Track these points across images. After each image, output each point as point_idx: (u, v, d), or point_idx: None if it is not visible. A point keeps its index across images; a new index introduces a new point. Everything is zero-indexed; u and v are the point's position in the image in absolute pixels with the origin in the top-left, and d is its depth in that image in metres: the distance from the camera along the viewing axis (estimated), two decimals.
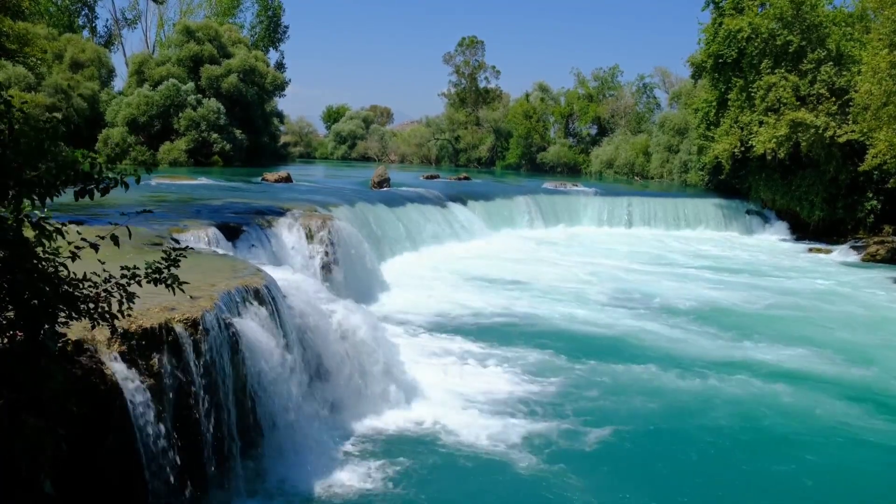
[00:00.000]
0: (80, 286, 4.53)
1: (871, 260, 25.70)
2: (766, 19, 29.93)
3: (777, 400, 10.55)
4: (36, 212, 4.22)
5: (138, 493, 5.85)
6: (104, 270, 4.81)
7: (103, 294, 4.69)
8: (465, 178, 40.04)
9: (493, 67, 71.84)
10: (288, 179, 29.53)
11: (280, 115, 54.38)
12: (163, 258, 4.98)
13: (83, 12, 57.33)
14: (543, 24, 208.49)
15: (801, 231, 31.17)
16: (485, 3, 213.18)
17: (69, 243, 4.37)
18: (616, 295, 17.48)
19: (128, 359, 5.89)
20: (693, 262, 23.64)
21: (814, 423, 9.77)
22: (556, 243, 26.58)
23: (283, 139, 60.78)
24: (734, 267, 22.86)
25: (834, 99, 28.16)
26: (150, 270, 4.88)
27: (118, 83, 48.82)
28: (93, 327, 4.82)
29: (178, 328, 6.49)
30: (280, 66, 62.98)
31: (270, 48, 62.50)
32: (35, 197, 4.21)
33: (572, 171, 59.65)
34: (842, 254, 26.51)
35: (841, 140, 27.16)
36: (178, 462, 6.16)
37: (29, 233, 4.17)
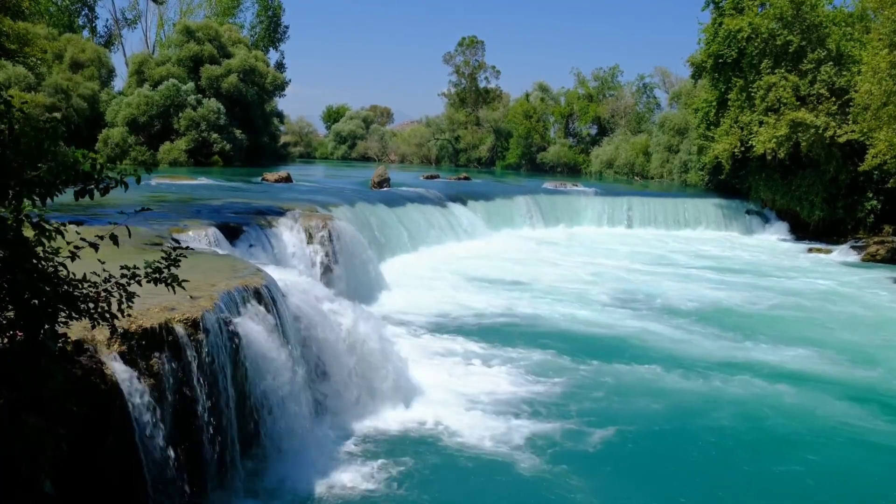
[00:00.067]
0: (80, 286, 4.53)
1: (871, 260, 25.70)
2: (766, 19, 29.93)
3: (780, 400, 10.54)
4: (35, 211, 4.22)
5: (138, 493, 5.84)
6: (104, 270, 4.81)
7: (103, 294, 4.69)
8: (465, 178, 40.04)
9: (493, 67, 71.99)
10: (288, 179, 29.53)
11: (280, 115, 54.40)
12: (163, 258, 4.98)
13: (83, 12, 57.38)
14: (543, 24, 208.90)
15: (801, 231, 31.18)
16: (485, 3, 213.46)
17: (69, 243, 4.37)
18: (618, 295, 17.46)
19: (128, 359, 5.89)
20: (694, 262, 23.63)
21: (817, 424, 9.75)
22: (556, 243, 26.57)
23: (283, 139, 60.79)
24: (735, 267, 22.85)
25: (834, 99, 28.16)
26: (150, 270, 4.88)
27: (118, 83, 48.92)
28: (93, 327, 4.82)
29: (178, 328, 6.49)
30: (280, 66, 63.04)
31: (270, 48, 62.55)
32: (35, 197, 4.21)
33: (572, 171, 59.65)
34: (842, 254, 26.51)
35: (841, 140, 27.16)
36: (178, 462, 6.16)
37: (29, 232, 4.17)
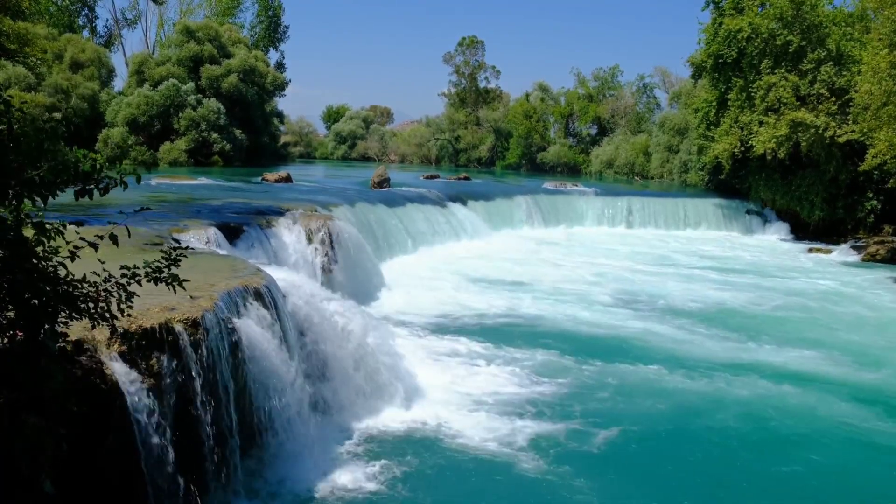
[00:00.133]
0: (80, 286, 4.53)
1: (871, 260, 25.71)
2: (766, 19, 29.93)
3: (784, 401, 10.51)
4: (34, 210, 4.22)
5: (138, 493, 5.84)
6: (104, 270, 4.81)
7: (103, 294, 4.69)
8: (465, 178, 40.03)
9: (493, 67, 71.95)
10: (288, 179, 29.53)
11: (280, 115, 54.38)
12: (163, 258, 4.98)
13: (83, 12, 57.37)
14: (543, 24, 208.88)
15: (801, 231, 31.18)
16: (485, 3, 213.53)
17: (68, 242, 4.37)
18: (620, 296, 17.43)
19: (128, 359, 5.89)
20: (695, 262, 23.62)
21: (821, 425, 9.74)
22: (556, 243, 26.58)
23: (283, 139, 60.78)
24: (737, 267, 22.84)
25: (834, 99, 28.17)
26: (150, 270, 4.88)
27: (118, 83, 48.91)
28: (93, 327, 4.82)
29: (178, 328, 6.49)
30: (280, 66, 63.04)
31: (270, 48, 62.54)
32: (35, 197, 4.21)
33: (572, 171, 59.66)
34: (842, 254, 26.52)
35: (841, 140, 27.17)
36: (178, 462, 6.16)
37: (28, 232, 4.17)
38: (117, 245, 4.65)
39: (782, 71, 29.56)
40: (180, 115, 42.21)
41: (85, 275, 4.64)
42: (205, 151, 42.48)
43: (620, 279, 19.70)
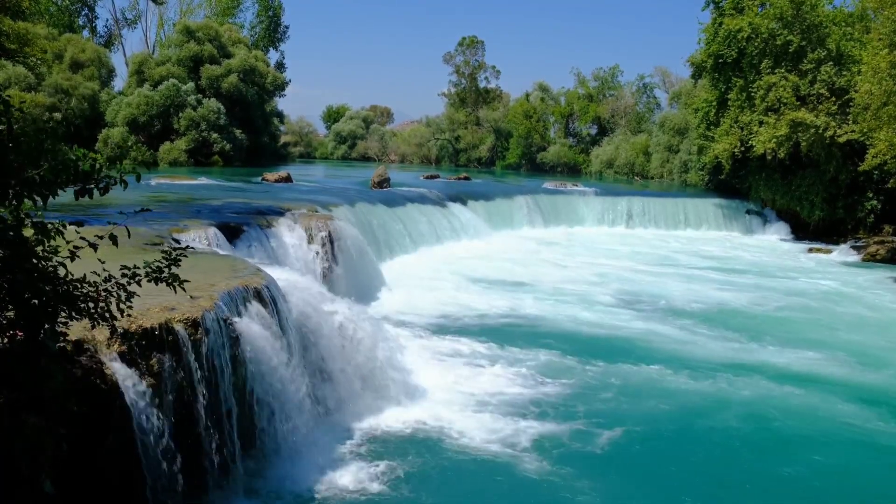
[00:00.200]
0: (80, 286, 4.53)
1: (871, 260, 25.71)
2: (766, 19, 29.93)
3: (787, 402, 10.50)
4: (34, 211, 4.22)
5: (138, 493, 5.84)
6: (104, 270, 4.81)
7: (103, 294, 4.69)
8: (465, 178, 40.03)
9: (493, 67, 71.93)
10: (288, 179, 29.53)
11: (280, 115, 54.39)
12: (163, 258, 4.98)
13: (83, 12, 57.37)
14: (543, 24, 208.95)
15: (801, 231, 31.18)
16: (485, 3, 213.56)
17: (68, 242, 4.37)
18: (622, 296, 17.39)
19: (128, 359, 5.89)
20: (696, 262, 23.61)
21: (824, 426, 9.72)
22: (556, 243, 26.58)
23: (283, 139, 60.79)
24: (738, 268, 22.82)
25: (834, 99, 28.17)
26: (150, 270, 4.88)
27: (118, 83, 48.91)
28: (93, 327, 4.82)
29: (179, 328, 6.49)
30: (280, 66, 63.02)
31: (270, 48, 62.52)
32: (36, 196, 4.21)
33: (572, 171, 59.66)
34: (842, 254, 26.52)
35: (841, 140, 27.17)
36: (178, 462, 6.16)
37: (28, 232, 4.17)
38: (117, 246, 4.65)
39: (782, 71, 29.56)
40: (180, 115, 42.22)
41: (85, 275, 4.64)
42: (205, 151, 42.49)
43: (622, 279, 19.68)
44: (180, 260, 5.02)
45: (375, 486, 7.53)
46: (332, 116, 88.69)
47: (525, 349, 12.46)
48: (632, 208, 32.68)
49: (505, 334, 13.41)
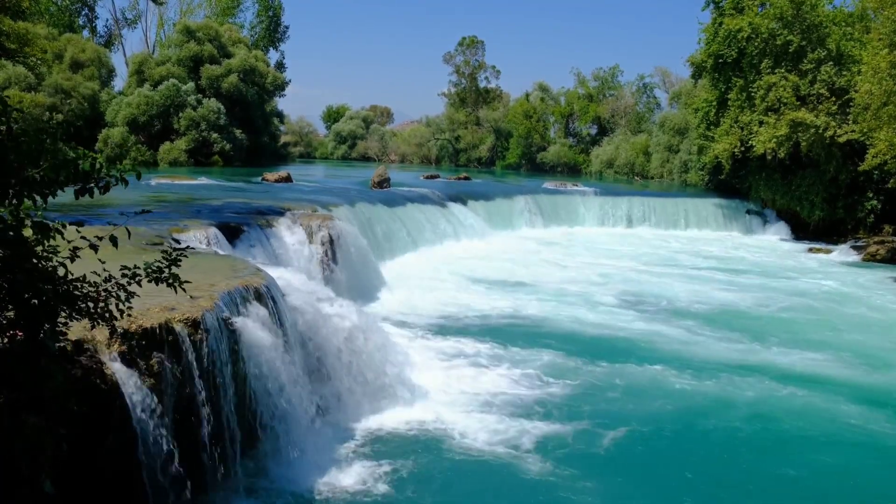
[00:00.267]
0: (80, 286, 4.53)
1: (871, 260, 25.71)
2: (766, 19, 29.93)
3: (792, 403, 10.47)
4: (34, 211, 4.21)
5: (138, 493, 5.84)
6: (104, 270, 4.81)
7: (103, 294, 4.69)
8: (465, 178, 40.02)
9: (493, 67, 71.96)
10: (288, 179, 29.53)
11: (280, 115, 54.40)
12: (163, 258, 4.97)
13: (83, 12, 57.40)
14: (543, 24, 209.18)
15: (801, 231, 31.18)
16: (485, 3, 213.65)
17: (69, 242, 4.37)
18: (624, 297, 17.34)
19: (128, 359, 5.89)
20: (698, 262, 23.59)
21: (830, 427, 9.69)
22: (557, 243, 26.57)
23: (283, 139, 60.80)
24: (740, 268, 22.80)
25: (834, 99, 28.17)
26: (150, 270, 4.88)
27: (118, 83, 48.94)
28: (93, 327, 4.82)
29: (178, 328, 6.49)
30: (280, 66, 63.01)
31: (270, 48, 62.52)
32: (36, 196, 4.21)
33: (572, 171, 59.66)
34: (842, 254, 26.52)
35: (841, 140, 27.17)
36: (178, 462, 6.16)
37: (28, 232, 4.17)
38: (117, 247, 4.64)
39: (782, 71, 29.56)
40: (180, 115, 42.21)
41: (85, 275, 4.63)
42: (205, 151, 42.48)
43: (623, 280, 19.65)
44: (180, 260, 5.02)
45: (376, 487, 7.52)
46: (332, 116, 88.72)
47: (528, 349, 12.42)
48: (632, 208, 32.68)
49: (507, 335, 13.36)
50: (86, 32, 55.95)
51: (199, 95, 43.47)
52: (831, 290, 19.61)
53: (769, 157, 29.67)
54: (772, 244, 29.76)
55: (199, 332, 6.69)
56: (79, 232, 4.48)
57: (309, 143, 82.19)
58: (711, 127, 33.99)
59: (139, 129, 42.05)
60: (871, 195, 29.11)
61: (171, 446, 6.11)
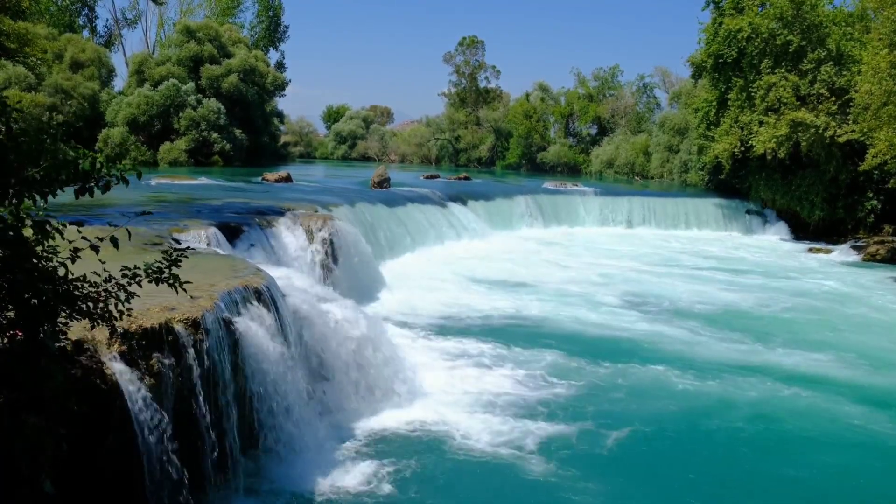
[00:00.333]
0: (81, 286, 4.52)
1: (872, 260, 25.71)
2: (766, 19, 29.93)
3: (795, 403, 10.45)
4: (34, 211, 4.21)
5: (138, 493, 5.84)
6: (104, 270, 4.81)
7: (103, 294, 4.69)
8: (465, 178, 40.02)
9: (494, 67, 71.96)
10: (288, 179, 29.52)
11: (280, 115, 54.39)
12: (164, 258, 4.97)
13: (83, 12, 57.38)
14: (543, 24, 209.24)
15: (801, 231, 31.18)
16: (485, 3, 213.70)
17: (70, 242, 4.37)
18: (625, 297, 17.29)
19: (128, 359, 5.89)
20: (699, 262, 23.58)
21: (832, 428, 9.67)
22: (557, 243, 26.57)
23: (284, 139, 60.79)
24: (741, 268, 22.78)
25: (834, 99, 28.17)
26: (150, 270, 4.88)
27: (118, 83, 48.93)
28: (92, 327, 4.81)
29: (179, 328, 6.49)
30: (280, 66, 63.01)
31: (270, 48, 62.51)
32: (35, 195, 4.21)
33: (572, 170, 59.67)
34: (842, 254, 26.52)
35: (841, 140, 27.17)
36: (178, 462, 6.15)
37: (28, 232, 4.17)
38: (117, 248, 4.64)
39: (782, 71, 29.55)
40: (180, 114, 42.20)
41: (85, 274, 4.63)
42: (205, 151, 42.48)
43: (625, 280, 19.63)
44: (181, 260, 5.02)
45: (378, 487, 7.50)
46: (332, 116, 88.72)
47: (530, 350, 12.38)
48: (632, 208, 32.68)
49: (509, 335, 13.32)
50: (86, 32, 55.99)
51: (199, 95, 43.46)
52: (832, 291, 19.60)
53: (769, 157, 29.67)
54: (772, 244, 29.75)
55: (199, 331, 6.69)
56: (79, 232, 4.48)
57: (309, 143, 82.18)
58: (711, 127, 33.99)
59: (139, 129, 42.04)
60: (871, 195, 29.11)
61: (171, 446, 6.11)
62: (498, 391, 10.34)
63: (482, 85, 71.38)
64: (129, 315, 5.08)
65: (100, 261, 4.61)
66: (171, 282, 4.90)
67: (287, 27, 65.01)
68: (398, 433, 8.85)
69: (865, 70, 24.28)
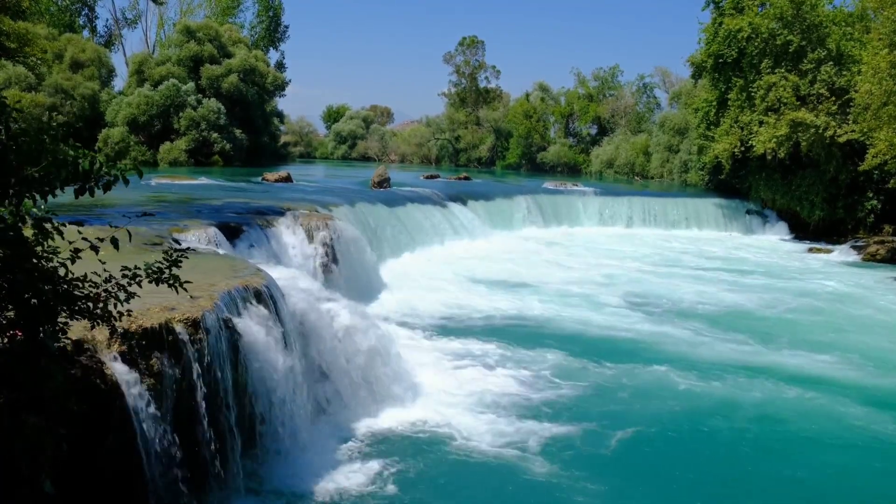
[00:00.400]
0: (81, 286, 4.52)
1: (872, 260, 25.71)
2: (766, 19, 29.93)
3: (799, 404, 10.42)
4: (35, 211, 4.21)
5: (138, 493, 5.84)
6: (104, 270, 4.81)
7: (103, 294, 4.69)
8: (466, 178, 40.01)
9: (494, 67, 71.95)
10: (288, 179, 29.52)
11: (280, 115, 54.38)
12: (164, 258, 4.97)
13: (83, 12, 57.37)
14: (543, 24, 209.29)
15: (801, 231, 31.18)
16: (485, 3, 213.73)
17: (70, 243, 4.37)
18: (627, 297, 17.24)
19: (128, 359, 5.89)
20: (700, 263, 23.55)
21: (837, 428, 9.64)
22: (557, 243, 26.56)
23: (284, 139, 60.78)
24: (743, 268, 22.75)
25: (834, 99, 28.17)
26: (150, 271, 4.88)
27: (118, 83, 48.90)
28: (93, 327, 4.81)
29: (179, 328, 6.49)
30: (280, 66, 63.00)
31: (270, 48, 62.51)
32: (35, 194, 4.20)
33: (572, 170, 59.67)
34: (842, 253, 26.51)
35: (841, 140, 27.16)
36: (178, 462, 6.15)
37: (28, 232, 4.17)
38: (118, 249, 4.64)
39: (782, 71, 29.55)
40: (180, 114, 42.19)
41: (86, 274, 4.63)
42: (205, 151, 42.47)
43: (626, 280, 19.59)
44: (181, 261, 5.02)
45: (379, 487, 7.50)
46: (332, 116, 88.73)
47: (533, 350, 12.35)
48: (632, 208, 32.67)
49: (512, 335, 13.29)
50: (86, 32, 55.97)
51: (199, 95, 43.45)
52: (834, 291, 19.57)
53: (769, 157, 29.67)
54: (772, 244, 29.75)
55: (199, 331, 6.69)
56: (80, 233, 4.48)
57: (309, 143, 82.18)
58: (711, 127, 33.99)
59: (139, 129, 42.03)
60: (871, 195, 29.11)
61: (172, 446, 6.11)
62: (501, 391, 10.31)
63: (482, 85, 71.40)
64: (129, 315, 5.08)
65: (100, 261, 4.61)
66: (171, 282, 4.90)
67: (287, 27, 65.08)
68: (400, 433, 8.83)
69: (865, 70, 24.28)
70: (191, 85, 43.24)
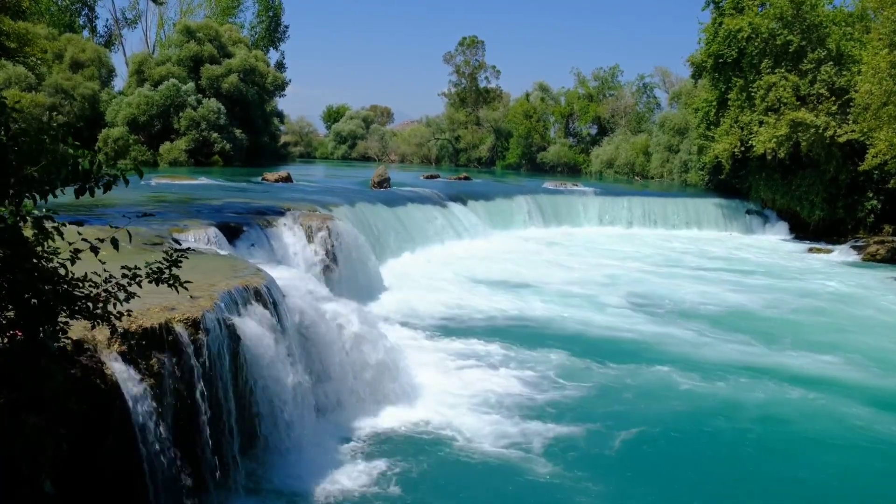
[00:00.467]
0: (81, 286, 4.51)
1: (872, 259, 25.71)
2: (766, 19, 29.93)
3: (801, 405, 10.41)
4: (34, 212, 4.20)
5: (138, 493, 5.83)
6: (105, 270, 4.80)
7: (103, 294, 4.68)
8: (466, 178, 40.00)
9: (494, 67, 71.93)
10: (288, 179, 29.51)
11: (280, 115, 54.37)
12: (164, 258, 4.96)
13: (83, 12, 57.36)
14: (543, 24, 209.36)
15: (801, 231, 31.19)
16: (485, 3, 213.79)
17: (70, 244, 4.36)
18: (629, 298, 17.21)
19: (128, 359, 5.88)
20: (701, 263, 23.55)
21: (840, 429, 9.63)
22: (557, 243, 26.55)
23: (284, 139, 60.77)
24: (744, 269, 22.74)
25: (834, 99, 28.16)
26: (150, 271, 4.87)
27: (118, 83, 48.88)
28: (93, 327, 4.80)
29: (179, 328, 6.48)
30: (280, 65, 62.99)
31: (270, 48, 62.49)
32: (35, 194, 4.19)
33: (572, 170, 59.67)
34: (842, 253, 26.51)
35: (841, 140, 27.16)
36: (178, 462, 6.15)
37: (28, 232, 4.16)
38: (117, 250, 4.63)
39: (782, 71, 29.55)
40: (180, 114, 42.18)
41: (86, 273, 4.62)
42: (205, 151, 42.46)
43: (628, 280, 19.57)
44: (181, 261, 5.01)
45: (380, 487, 7.48)
46: (332, 116, 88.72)
47: (535, 351, 12.33)
48: (632, 208, 32.67)
49: (513, 336, 13.26)
50: (86, 32, 55.94)
51: (199, 95, 43.43)
52: (836, 291, 19.56)
53: (769, 157, 29.66)
54: (772, 244, 29.74)
55: (200, 331, 6.69)
56: (80, 234, 4.47)
57: (309, 143, 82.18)
58: (711, 127, 33.99)
59: (139, 129, 42.02)
60: (871, 195, 29.11)
61: (172, 446, 6.10)
62: (504, 392, 10.29)
63: (482, 85, 71.39)
64: (129, 315, 5.07)
65: (100, 261, 4.60)
66: (171, 282, 4.89)
67: (287, 27, 65.06)
68: (401, 433, 8.82)
69: (865, 70, 24.28)
70: (191, 85, 43.23)
